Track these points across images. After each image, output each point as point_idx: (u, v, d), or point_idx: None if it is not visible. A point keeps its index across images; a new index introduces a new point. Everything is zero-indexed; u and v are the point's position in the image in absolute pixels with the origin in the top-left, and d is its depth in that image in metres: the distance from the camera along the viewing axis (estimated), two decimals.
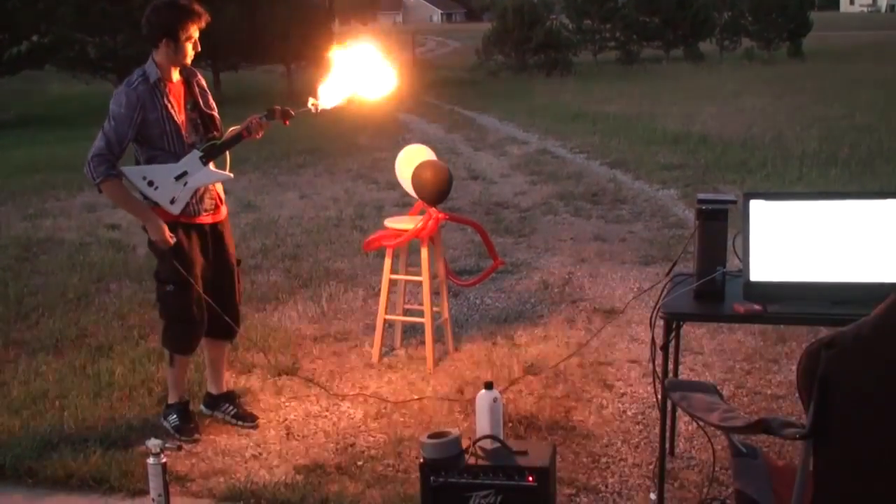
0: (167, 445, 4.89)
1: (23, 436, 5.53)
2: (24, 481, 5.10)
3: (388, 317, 6.80)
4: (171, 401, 5.74)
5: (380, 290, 6.88)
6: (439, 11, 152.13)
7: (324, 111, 5.57)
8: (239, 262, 5.82)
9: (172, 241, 5.28)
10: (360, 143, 19.38)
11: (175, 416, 5.67)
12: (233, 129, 5.46)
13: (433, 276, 6.71)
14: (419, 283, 6.75)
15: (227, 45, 29.84)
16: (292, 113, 5.47)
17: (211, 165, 5.41)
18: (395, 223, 6.70)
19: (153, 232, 5.26)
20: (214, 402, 5.89)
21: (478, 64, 45.31)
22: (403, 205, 9.25)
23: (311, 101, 5.50)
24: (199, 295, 5.44)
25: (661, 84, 33.21)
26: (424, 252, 6.58)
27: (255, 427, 5.73)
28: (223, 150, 5.44)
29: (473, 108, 26.65)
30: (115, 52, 29.73)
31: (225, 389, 5.96)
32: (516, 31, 43.92)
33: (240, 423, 5.75)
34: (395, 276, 6.79)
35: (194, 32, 5.26)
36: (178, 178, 5.28)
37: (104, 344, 7.18)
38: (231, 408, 5.84)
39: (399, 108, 24.42)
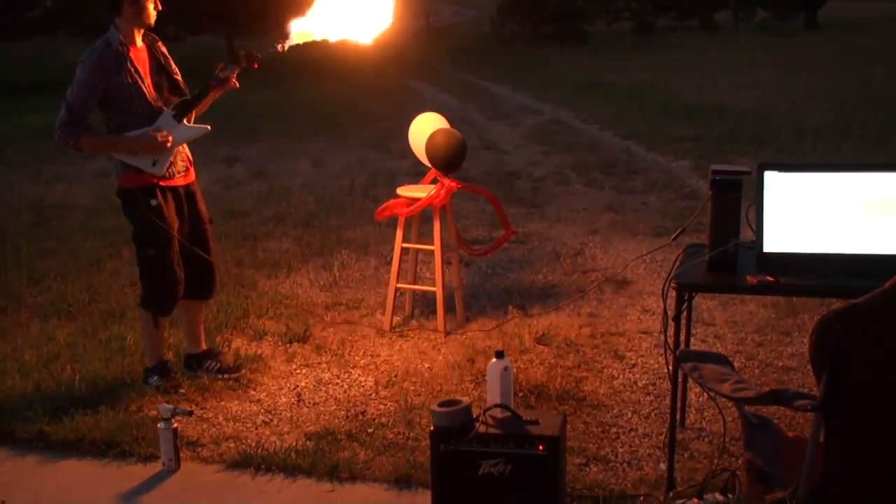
0: (178, 410, 4.92)
1: (34, 399, 5.54)
2: (36, 444, 5.12)
3: (399, 285, 6.79)
4: (149, 364, 5.83)
5: (392, 258, 6.88)
6: None
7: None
8: (211, 221, 5.89)
9: (168, 143, 5.33)
10: (373, 111, 19.35)
11: (157, 376, 5.75)
12: (206, 84, 5.51)
13: (445, 246, 6.70)
14: (431, 252, 6.74)
15: (240, 11, 29.79)
16: (257, 55, 5.47)
17: (185, 122, 5.45)
18: (407, 192, 6.68)
19: (148, 145, 5.31)
20: (196, 361, 5.98)
21: (492, 33, 45.15)
22: (416, 174, 9.21)
23: (277, 43, 5.53)
24: (178, 255, 5.54)
25: (675, 55, 33.05)
26: (437, 221, 6.57)
27: (240, 374, 5.89)
28: (195, 105, 5.49)
29: (487, 78, 26.59)
30: None
31: (204, 347, 6.05)
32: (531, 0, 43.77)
33: (226, 375, 5.87)
34: (406, 245, 6.78)
35: None
36: None
37: (116, 309, 7.20)
38: (214, 363, 5.95)
39: (412, 76, 24.36)
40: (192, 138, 5.55)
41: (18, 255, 8.84)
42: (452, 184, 6.56)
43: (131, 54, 5.32)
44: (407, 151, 7.07)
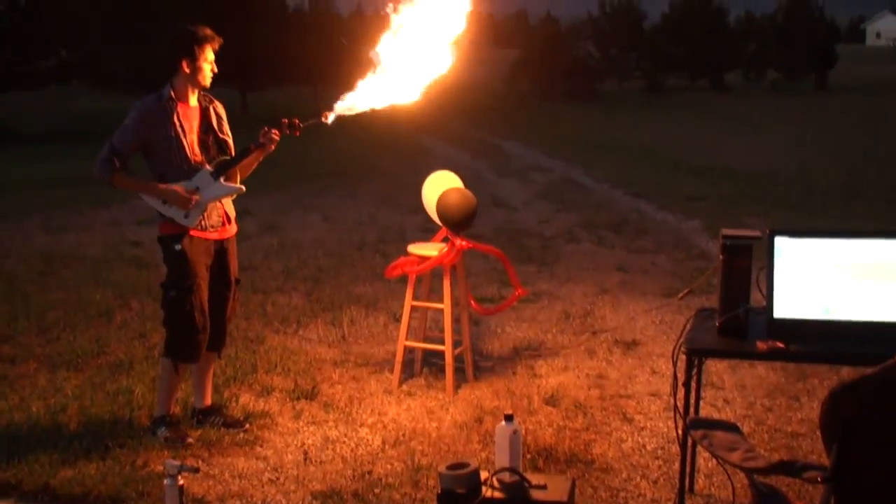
0: (184, 467, 4.90)
1: (40, 451, 5.53)
2: (42, 498, 5.09)
3: (408, 343, 6.79)
4: (157, 414, 5.89)
5: (401, 315, 6.87)
6: None
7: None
8: (237, 281, 6.00)
9: (195, 199, 5.50)
10: (384, 166, 19.41)
11: (164, 427, 5.80)
12: (249, 145, 5.69)
13: (454, 304, 6.70)
14: (440, 310, 6.73)
15: (255, 66, 30.01)
16: (299, 123, 5.59)
17: (221, 180, 5.60)
18: (418, 250, 6.69)
19: (174, 199, 5.49)
20: (202, 415, 6.05)
21: (504, 90, 45.38)
22: (426, 230, 9.23)
23: (325, 113, 5.64)
24: (202, 303, 5.64)
25: (686, 114, 33.21)
26: (447, 279, 6.57)
27: (245, 429, 5.92)
28: (234, 164, 5.66)
29: (498, 135, 26.69)
30: (142, 68, 29.81)
31: (209, 403, 6.11)
32: (543, 58, 44.03)
33: (231, 430, 5.92)
34: (416, 303, 6.78)
35: (210, 55, 5.56)
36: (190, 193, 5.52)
37: (124, 361, 7.19)
38: (218, 418, 6.01)
39: (424, 132, 24.46)
40: (226, 196, 5.70)
41: (28, 304, 8.85)
42: (463, 243, 6.57)
43: (180, 109, 5.54)
44: (417, 207, 7.10)
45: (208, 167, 5.57)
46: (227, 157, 5.66)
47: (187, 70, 5.51)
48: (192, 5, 29.00)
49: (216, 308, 5.81)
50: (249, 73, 30.93)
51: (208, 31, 5.56)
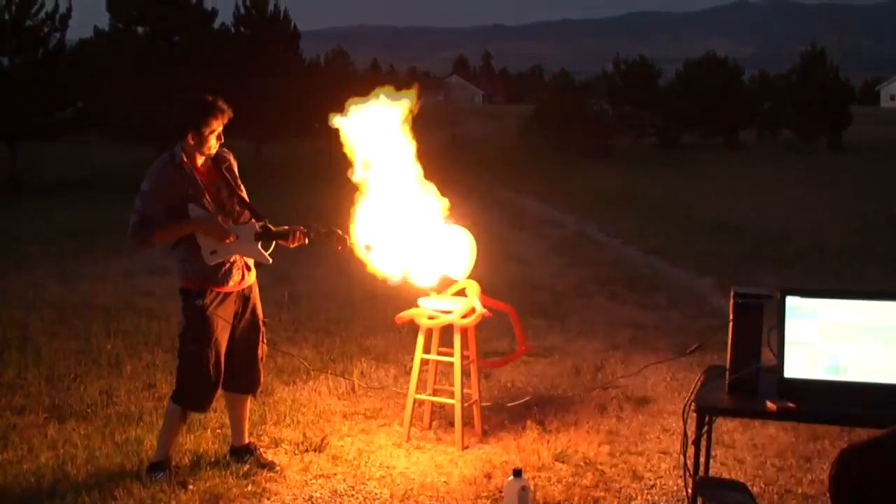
0: None
1: (48, 502, 5.51)
2: None
3: (418, 396, 6.77)
4: (155, 459, 5.97)
5: (411, 368, 6.86)
6: (481, 92, 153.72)
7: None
8: (265, 322, 6.15)
9: (232, 239, 5.68)
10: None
11: (162, 472, 5.86)
12: (290, 228, 5.88)
13: (464, 357, 6.68)
14: (450, 363, 6.72)
15: (270, 118, 30.25)
16: (346, 244, 6.03)
17: (260, 245, 5.80)
18: (430, 303, 6.69)
19: (213, 228, 5.65)
20: (238, 454, 6.17)
21: (517, 145, 45.54)
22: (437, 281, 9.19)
23: (366, 246, 6.17)
24: (220, 357, 5.76)
25: (699, 171, 33.28)
26: (457, 333, 6.56)
27: (275, 471, 6.02)
28: (275, 238, 5.84)
29: (512, 189, 26.77)
30: (157, 120, 30.03)
31: (246, 442, 6.24)
32: (557, 113, 44.23)
33: (265, 470, 6.03)
34: (426, 356, 6.77)
35: (217, 127, 5.66)
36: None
37: (133, 412, 7.18)
38: (251, 458, 6.14)
39: (436, 185, 24.49)
40: (253, 258, 5.89)
41: (39, 354, 8.85)
42: (484, 310, 6.61)
43: (193, 171, 5.67)
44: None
45: (258, 226, 5.77)
46: (270, 229, 5.82)
47: (192, 142, 5.62)
48: (209, 60, 29.32)
49: (247, 351, 5.99)
50: (264, 126, 31.15)
51: (218, 105, 5.65)
